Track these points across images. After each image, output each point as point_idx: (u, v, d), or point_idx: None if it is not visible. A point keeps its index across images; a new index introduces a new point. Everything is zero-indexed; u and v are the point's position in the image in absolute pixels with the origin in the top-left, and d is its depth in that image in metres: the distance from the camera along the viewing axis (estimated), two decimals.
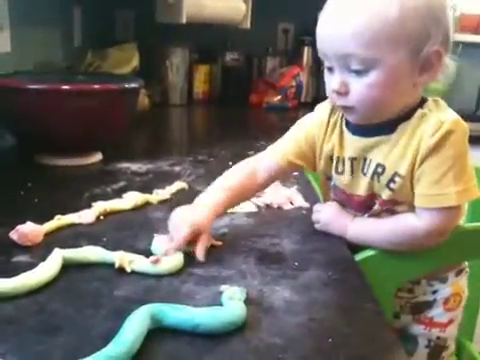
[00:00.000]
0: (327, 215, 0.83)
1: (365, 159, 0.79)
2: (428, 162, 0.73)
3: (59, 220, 0.78)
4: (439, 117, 0.74)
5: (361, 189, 0.80)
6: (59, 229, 0.78)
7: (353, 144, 0.80)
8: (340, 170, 0.82)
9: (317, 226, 0.83)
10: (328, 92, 0.77)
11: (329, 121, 0.84)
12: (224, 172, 0.88)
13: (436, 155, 0.73)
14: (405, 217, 0.78)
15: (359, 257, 0.77)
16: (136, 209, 0.88)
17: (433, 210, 0.74)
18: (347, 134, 0.81)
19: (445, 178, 0.73)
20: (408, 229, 0.77)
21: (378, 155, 0.78)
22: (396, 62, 0.71)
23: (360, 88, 0.72)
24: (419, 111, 0.76)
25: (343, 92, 0.74)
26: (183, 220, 0.75)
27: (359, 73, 0.72)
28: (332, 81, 0.75)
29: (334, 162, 0.83)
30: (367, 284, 0.67)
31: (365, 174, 0.79)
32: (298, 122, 0.88)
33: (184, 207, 0.79)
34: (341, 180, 0.82)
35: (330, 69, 0.76)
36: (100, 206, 0.85)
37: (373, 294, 0.64)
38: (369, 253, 0.78)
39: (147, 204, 0.90)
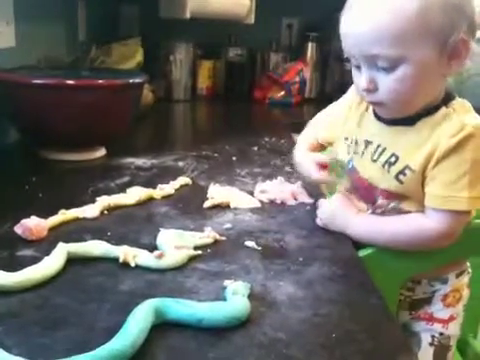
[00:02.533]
0: (329, 211, 0.83)
1: (379, 146, 0.79)
2: (445, 162, 0.73)
3: (63, 215, 0.79)
4: (462, 119, 0.74)
5: (367, 174, 0.81)
6: (63, 223, 0.78)
7: (372, 127, 0.81)
8: (354, 151, 0.83)
9: (319, 222, 0.83)
10: (357, 90, 0.78)
11: (356, 102, 0.85)
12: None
13: (454, 156, 0.72)
14: (415, 217, 0.77)
15: (363, 253, 0.77)
16: (140, 204, 0.88)
17: (444, 212, 0.74)
18: (369, 116, 0.82)
19: (460, 181, 0.72)
20: (418, 229, 0.76)
21: (394, 145, 0.78)
22: (423, 56, 0.71)
23: (389, 84, 0.73)
24: (443, 109, 0.76)
25: (372, 89, 0.74)
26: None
27: (387, 70, 0.72)
28: (361, 79, 0.75)
29: (349, 141, 0.84)
30: (371, 280, 0.67)
31: (375, 161, 0.79)
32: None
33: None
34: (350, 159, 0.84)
35: (358, 67, 0.76)
36: (104, 201, 0.85)
37: (377, 290, 0.64)
38: (373, 249, 0.78)
39: (151, 199, 0.90)
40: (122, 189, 0.92)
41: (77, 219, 0.80)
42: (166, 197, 0.92)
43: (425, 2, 0.69)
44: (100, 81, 1.09)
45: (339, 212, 0.82)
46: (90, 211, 0.81)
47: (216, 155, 1.23)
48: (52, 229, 0.75)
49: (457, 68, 0.74)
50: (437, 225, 0.75)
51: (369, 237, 0.79)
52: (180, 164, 1.14)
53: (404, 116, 0.77)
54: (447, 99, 0.77)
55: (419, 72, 0.72)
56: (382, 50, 0.71)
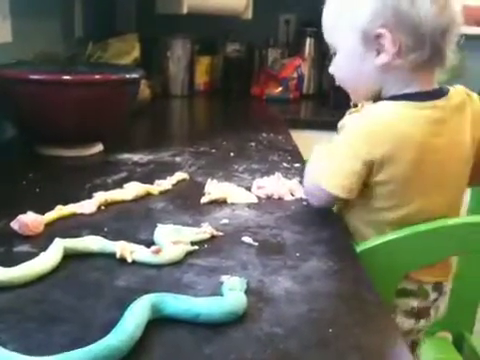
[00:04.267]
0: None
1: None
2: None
3: (60, 210, 0.78)
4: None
5: None
6: (60, 219, 0.78)
7: None
8: None
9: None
10: None
11: None
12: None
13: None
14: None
15: (360, 248, 0.77)
16: (137, 200, 0.88)
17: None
18: None
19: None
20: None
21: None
22: (349, 45, 0.83)
23: (334, 69, 0.89)
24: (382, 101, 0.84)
25: (331, 73, 0.90)
26: None
27: (334, 56, 0.88)
28: None
29: None
30: (368, 275, 0.67)
31: None
32: None
33: None
34: None
35: None
36: (101, 196, 0.85)
37: (374, 285, 0.64)
38: (371, 244, 0.78)
39: (148, 195, 0.90)
40: (119, 185, 0.92)
41: (74, 215, 0.80)
42: (163, 193, 0.92)
43: (344, 1, 0.83)
44: (97, 76, 1.09)
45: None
46: (87, 207, 0.81)
47: (214, 151, 1.23)
48: (49, 225, 0.75)
49: (384, 60, 0.80)
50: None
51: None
52: (177, 160, 1.14)
53: (356, 102, 0.90)
54: (411, 95, 0.81)
55: (347, 59, 0.85)
56: (325, 38, 0.87)
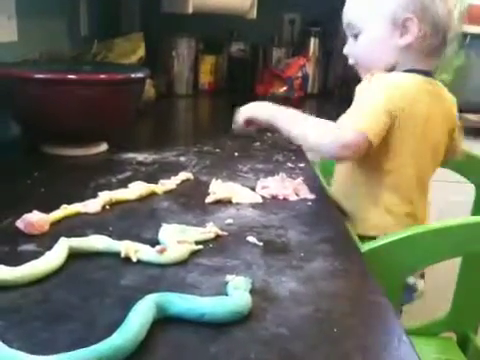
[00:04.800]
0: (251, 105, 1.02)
1: None
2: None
3: (65, 209, 0.79)
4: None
5: None
6: (65, 218, 0.78)
7: None
8: None
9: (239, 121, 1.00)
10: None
11: None
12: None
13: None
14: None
15: (365, 248, 0.77)
16: (141, 199, 0.88)
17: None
18: None
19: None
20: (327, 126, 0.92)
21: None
22: (377, 29, 0.96)
23: (354, 50, 1.00)
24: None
25: (348, 53, 1.02)
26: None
27: (356, 37, 0.99)
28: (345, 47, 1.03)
29: None
30: (373, 275, 0.67)
31: None
32: None
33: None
34: None
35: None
36: (106, 196, 0.85)
37: (379, 285, 0.64)
38: (376, 244, 0.78)
39: (153, 194, 0.90)
40: (124, 184, 0.92)
41: (79, 214, 0.80)
42: (168, 192, 0.92)
43: None
44: (102, 76, 1.09)
45: (261, 104, 1.01)
46: (92, 206, 0.81)
47: (218, 150, 1.23)
48: (54, 224, 0.75)
49: (408, 41, 0.94)
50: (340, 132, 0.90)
51: (284, 121, 0.97)
52: (182, 159, 1.14)
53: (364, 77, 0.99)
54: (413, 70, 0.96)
55: (372, 41, 0.97)
56: (351, 19, 0.99)
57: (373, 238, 0.86)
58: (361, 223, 0.96)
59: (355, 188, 1.00)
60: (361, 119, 0.89)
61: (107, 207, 0.83)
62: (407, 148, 0.93)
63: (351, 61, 1.02)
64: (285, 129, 0.96)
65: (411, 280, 0.94)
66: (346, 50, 1.02)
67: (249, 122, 1.02)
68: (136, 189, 0.89)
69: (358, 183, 0.99)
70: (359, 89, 0.98)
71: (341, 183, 1.04)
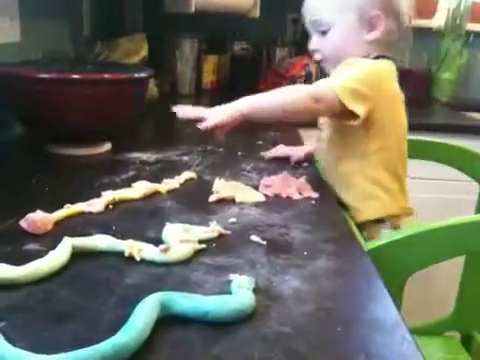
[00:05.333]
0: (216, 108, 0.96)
1: None
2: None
3: (68, 209, 0.79)
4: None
5: None
6: (68, 218, 0.78)
7: None
8: None
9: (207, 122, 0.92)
10: (310, 52, 1.07)
11: None
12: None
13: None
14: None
15: (369, 247, 0.77)
16: (145, 198, 0.88)
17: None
18: None
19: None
20: (301, 92, 0.94)
21: None
22: (348, 23, 0.99)
23: (323, 45, 1.02)
24: None
25: (316, 49, 1.04)
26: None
27: (323, 34, 1.01)
28: (310, 43, 1.05)
29: None
30: (377, 274, 0.66)
31: None
32: None
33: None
34: None
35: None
36: (109, 195, 0.85)
37: (383, 284, 0.64)
38: (379, 243, 0.78)
39: (156, 193, 0.90)
40: (127, 184, 0.92)
41: (82, 213, 0.80)
42: (171, 191, 0.92)
43: None
44: (106, 76, 1.09)
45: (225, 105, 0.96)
46: (95, 205, 0.81)
47: (221, 150, 1.23)
48: (57, 223, 0.75)
49: (375, 36, 0.98)
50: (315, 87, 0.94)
51: (260, 105, 0.95)
52: (185, 159, 1.14)
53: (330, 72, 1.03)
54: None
55: (344, 35, 1.00)
56: (318, 16, 1.01)
57: (377, 221, 0.98)
58: (364, 208, 0.99)
59: (349, 177, 1.01)
60: (336, 79, 0.94)
61: (111, 206, 0.83)
62: (390, 125, 0.99)
63: (318, 57, 1.04)
64: (263, 109, 0.95)
65: None
66: (312, 46, 1.04)
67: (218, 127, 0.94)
68: (140, 188, 0.89)
69: (351, 171, 1.00)
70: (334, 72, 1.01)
71: (333, 175, 1.05)
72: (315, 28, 1.03)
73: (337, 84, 0.92)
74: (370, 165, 0.99)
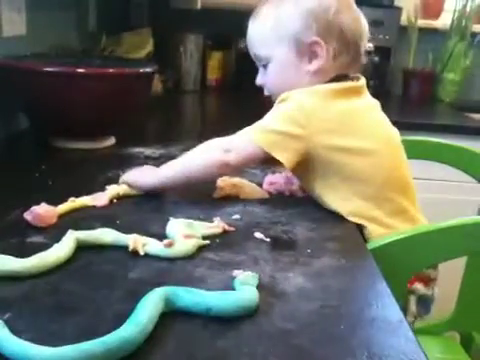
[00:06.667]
0: (134, 172, 0.90)
1: None
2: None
3: (73, 202, 0.79)
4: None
5: None
6: (73, 211, 0.78)
7: None
8: None
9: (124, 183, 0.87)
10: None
11: None
12: None
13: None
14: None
15: (372, 246, 0.77)
16: (149, 193, 0.88)
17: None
18: None
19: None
20: (206, 146, 0.88)
21: None
22: (283, 55, 0.87)
23: (266, 79, 0.91)
24: None
25: (260, 85, 0.93)
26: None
27: (265, 67, 0.90)
28: (257, 77, 0.93)
29: None
30: (380, 272, 0.67)
31: None
32: None
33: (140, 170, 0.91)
34: None
35: None
36: (113, 190, 0.85)
37: (386, 282, 0.64)
38: (383, 242, 0.78)
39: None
40: None
41: (86, 207, 0.80)
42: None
43: (279, 10, 0.86)
44: (111, 70, 1.09)
45: (144, 171, 0.90)
46: (99, 199, 0.82)
47: None
48: (61, 217, 0.76)
49: (319, 65, 0.86)
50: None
51: (171, 174, 0.87)
52: None
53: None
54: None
55: (282, 68, 0.88)
56: (256, 50, 0.90)
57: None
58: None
59: (330, 207, 0.86)
60: (256, 124, 0.87)
61: (115, 201, 0.84)
62: (351, 153, 0.85)
63: (266, 92, 0.94)
64: (179, 178, 0.87)
65: (429, 291, 0.90)
66: (258, 81, 0.93)
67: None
68: None
69: (328, 202, 0.87)
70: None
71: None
72: (257, 62, 0.92)
73: (256, 129, 0.85)
74: (342, 197, 0.85)
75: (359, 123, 0.86)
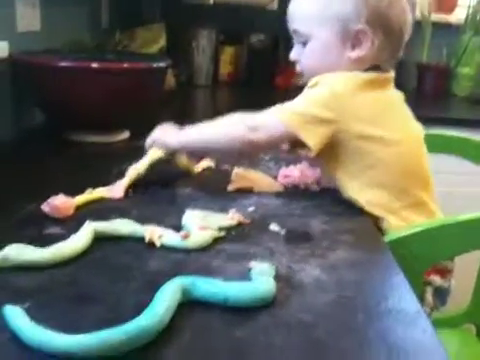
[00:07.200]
0: (158, 131, 0.91)
1: None
2: None
3: (90, 194, 0.79)
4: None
5: None
6: (90, 203, 0.78)
7: None
8: None
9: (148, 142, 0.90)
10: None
11: None
12: None
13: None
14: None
15: (389, 238, 0.77)
16: (164, 183, 0.89)
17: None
18: None
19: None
20: (234, 120, 0.86)
21: None
22: (325, 37, 0.85)
23: (302, 57, 0.89)
24: None
25: (294, 60, 0.91)
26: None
27: (303, 45, 0.88)
28: (291, 52, 0.92)
29: None
30: (397, 265, 0.66)
31: None
32: None
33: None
34: None
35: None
36: (133, 172, 0.86)
37: (403, 274, 0.64)
38: (400, 234, 0.78)
39: (175, 181, 0.91)
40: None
41: (103, 199, 0.80)
42: (190, 179, 0.93)
43: None
44: (125, 65, 1.10)
45: (167, 130, 0.90)
46: (115, 191, 0.82)
47: None
48: (78, 208, 0.76)
49: (360, 54, 0.85)
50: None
51: (194, 140, 0.88)
52: None
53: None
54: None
55: (322, 49, 0.86)
56: (296, 25, 0.88)
57: None
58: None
59: (350, 196, 0.86)
60: (286, 104, 0.84)
61: (130, 192, 0.84)
62: (373, 141, 0.85)
63: (298, 68, 0.91)
64: (193, 143, 0.88)
65: (446, 283, 0.89)
66: (293, 56, 0.91)
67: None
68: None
69: (349, 191, 0.86)
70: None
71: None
72: (295, 37, 0.90)
73: (284, 110, 0.83)
74: (362, 186, 0.85)
75: (388, 114, 0.86)
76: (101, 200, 0.80)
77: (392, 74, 0.90)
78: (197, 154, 0.92)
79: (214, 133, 0.87)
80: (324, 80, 0.84)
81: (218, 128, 0.87)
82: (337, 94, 0.82)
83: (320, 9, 0.85)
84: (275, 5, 1.90)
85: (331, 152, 0.84)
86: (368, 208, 0.83)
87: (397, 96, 0.91)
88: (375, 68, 0.87)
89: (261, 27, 2.08)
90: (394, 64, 0.91)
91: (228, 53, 2.06)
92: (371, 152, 0.83)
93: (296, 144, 0.85)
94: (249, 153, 0.88)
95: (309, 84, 0.86)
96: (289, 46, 1.55)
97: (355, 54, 0.85)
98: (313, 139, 0.81)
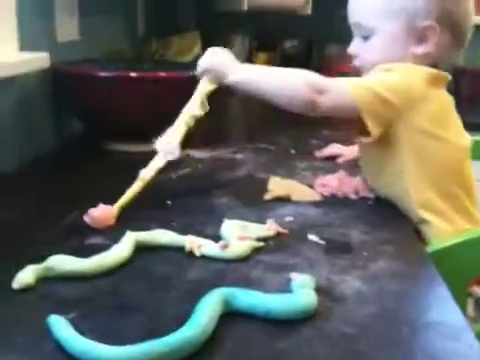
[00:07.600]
0: (211, 56, 0.89)
1: None
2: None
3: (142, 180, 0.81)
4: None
5: None
6: (129, 211, 0.78)
7: None
8: None
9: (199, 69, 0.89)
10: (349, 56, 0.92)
11: None
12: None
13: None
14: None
15: (431, 249, 0.75)
16: (200, 193, 0.89)
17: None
18: None
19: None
20: (301, 76, 0.83)
21: None
22: (390, 31, 0.84)
23: (363, 51, 0.88)
24: None
25: (354, 54, 0.90)
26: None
27: (365, 39, 0.87)
28: (350, 46, 0.90)
29: None
30: (440, 276, 0.65)
31: None
32: None
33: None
34: None
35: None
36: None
37: (446, 285, 0.63)
38: (443, 245, 0.76)
39: (210, 189, 0.92)
40: (183, 180, 0.93)
41: (142, 208, 0.80)
42: (226, 189, 0.93)
43: None
44: (163, 74, 1.11)
45: (223, 58, 0.88)
46: (170, 147, 0.87)
47: (273, 148, 1.23)
48: (119, 217, 0.76)
49: (426, 50, 0.84)
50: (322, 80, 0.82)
51: (252, 80, 0.85)
52: (238, 156, 1.14)
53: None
54: None
55: (387, 44, 0.85)
56: (360, 19, 0.87)
57: None
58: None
59: (389, 196, 0.88)
60: (358, 78, 0.85)
61: (169, 203, 0.85)
62: (431, 139, 0.85)
63: (356, 63, 0.90)
64: (252, 84, 0.85)
65: None
66: (352, 51, 0.90)
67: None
68: None
69: (391, 190, 0.88)
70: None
71: (375, 191, 0.92)
72: (356, 31, 0.89)
73: (356, 82, 0.82)
74: (411, 184, 0.84)
75: (450, 114, 0.87)
76: (140, 209, 0.80)
77: (447, 74, 0.88)
78: (249, 95, 0.88)
79: (278, 81, 0.84)
80: (397, 68, 0.83)
81: (283, 77, 0.84)
82: (408, 83, 0.82)
83: (386, 2, 0.84)
84: (309, 10, 1.90)
85: (386, 142, 0.83)
86: (414, 206, 0.83)
87: (451, 98, 0.90)
88: (433, 67, 0.86)
89: (294, 33, 2.08)
90: (451, 65, 0.92)
91: (261, 59, 2.07)
92: (428, 149, 0.83)
93: (355, 125, 0.83)
94: (305, 112, 0.84)
95: (380, 69, 0.84)
96: (322, 51, 1.51)
97: (420, 50, 0.84)
98: (375, 121, 0.80)
